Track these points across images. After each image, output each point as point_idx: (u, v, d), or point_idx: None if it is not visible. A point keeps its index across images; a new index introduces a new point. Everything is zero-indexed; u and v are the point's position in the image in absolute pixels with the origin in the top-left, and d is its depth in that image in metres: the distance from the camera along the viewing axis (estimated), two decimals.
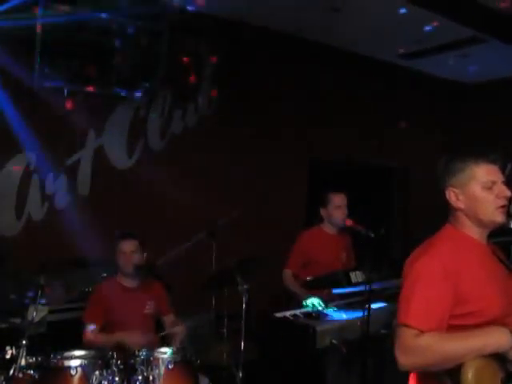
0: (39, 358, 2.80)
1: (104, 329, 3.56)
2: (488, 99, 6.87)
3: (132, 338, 3.37)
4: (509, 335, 1.86)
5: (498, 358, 1.87)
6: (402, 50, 6.04)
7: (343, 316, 3.62)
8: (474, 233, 2.07)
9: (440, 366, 1.88)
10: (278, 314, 3.65)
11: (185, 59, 5.09)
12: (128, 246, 3.57)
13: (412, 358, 1.86)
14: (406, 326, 1.88)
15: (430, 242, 2.07)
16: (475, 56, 6.05)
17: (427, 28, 5.31)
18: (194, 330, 3.74)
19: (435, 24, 5.17)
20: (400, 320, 1.91)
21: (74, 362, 2.71)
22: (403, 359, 1.87)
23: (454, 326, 1.91)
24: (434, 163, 2.15)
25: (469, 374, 1.82)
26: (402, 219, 7.21)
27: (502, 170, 2.11)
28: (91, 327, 3.51)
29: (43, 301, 3.43)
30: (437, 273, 1.91)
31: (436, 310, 1.89)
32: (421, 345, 1.85)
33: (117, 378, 2.74)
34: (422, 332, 1.85)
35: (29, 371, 2.77)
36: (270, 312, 3.69)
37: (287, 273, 4.20)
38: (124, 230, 3.67)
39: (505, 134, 6.23)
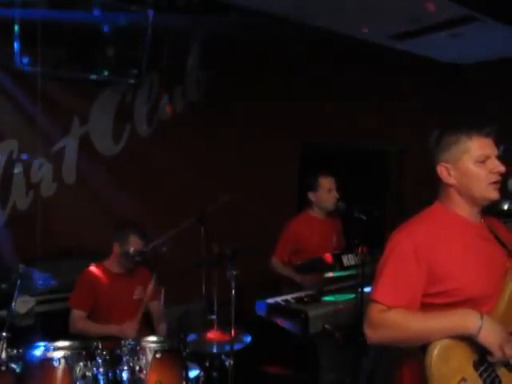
0: (20, 351, 2.70)
1: (92, 315, 3.49)
2: (483, 80, 6.78)
3: (124, 332, 3.29)
4: (477, 319, 1.77)
5: (472, 340, 1.79)
6: (393, 31, 5.89)
7: (336, 300, 3.56)
8: (465, 211, 2.00)
9: (405, 342, 1.88)
10: (270, 300, 3.61)
11: (171, 42, 4.96)
12: (139, 244, 3.62)
13: (377, 333, 1.88)
14: (374, 301, 1.89)
15: (412, 219, 2.02)
16: (468, 36, 5.92)
17: (419, 7, 5.16)
18: (184, 317, 3.68)
19: (427, 3, 5.04)
20: (370, 295, 1.93)
21: (57, 354, 2.62)
22: (369, 333, 1.89)
23: (428, 304, 1.88)
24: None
25: (434, 352, 1.78)
26: (397, 202, 7.15)
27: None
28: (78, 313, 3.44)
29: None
30: (407, 252, 1.89)
31: (404, 287, 1.87)
32: (385, 320, 1.85)
33: (102, 369, 2.65)
34: (389, 308, 1.85)
35: (10, 364, 2.67)
36: (261, 298, 3.63)
37: (274, 261, 4.15)
38: (141, 227, 3.71)
39: (500, 115, 6.15)
